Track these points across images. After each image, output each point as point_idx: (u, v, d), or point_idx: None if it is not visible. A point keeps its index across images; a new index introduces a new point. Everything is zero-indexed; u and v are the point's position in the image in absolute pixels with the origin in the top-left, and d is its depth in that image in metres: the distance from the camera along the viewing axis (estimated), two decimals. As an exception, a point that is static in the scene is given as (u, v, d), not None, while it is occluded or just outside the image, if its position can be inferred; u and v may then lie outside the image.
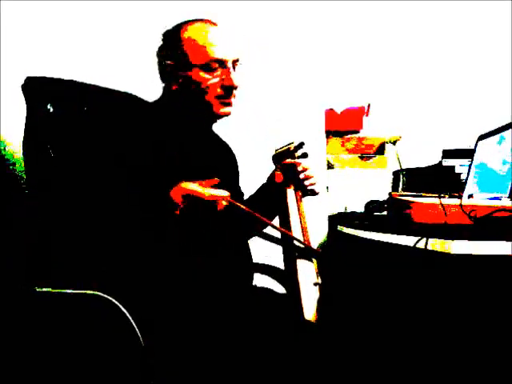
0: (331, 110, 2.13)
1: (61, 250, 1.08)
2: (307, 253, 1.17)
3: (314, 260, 1.17)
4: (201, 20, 1.20)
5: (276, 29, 1.95)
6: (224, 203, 1.02)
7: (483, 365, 0.98)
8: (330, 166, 2.10)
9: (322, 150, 2.06)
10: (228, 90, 1.17)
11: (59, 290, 0.99)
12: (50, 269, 1.09)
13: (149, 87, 1.38)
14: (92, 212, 1.01)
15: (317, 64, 2.02)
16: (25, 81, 1.13)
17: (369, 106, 2.17)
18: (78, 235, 1.03)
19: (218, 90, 1.17)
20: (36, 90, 1.13)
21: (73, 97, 1.19)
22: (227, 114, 1.21)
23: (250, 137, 1.85)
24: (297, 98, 2.00)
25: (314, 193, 1.30)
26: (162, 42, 1.21)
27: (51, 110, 1.12)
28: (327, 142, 2.09)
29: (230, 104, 1.19)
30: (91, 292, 0.95)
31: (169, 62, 1.18)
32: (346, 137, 2.15)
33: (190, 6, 1.84)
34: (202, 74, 1.15)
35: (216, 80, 1.16)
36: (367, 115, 2.17)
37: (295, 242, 1.17)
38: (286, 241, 1.22)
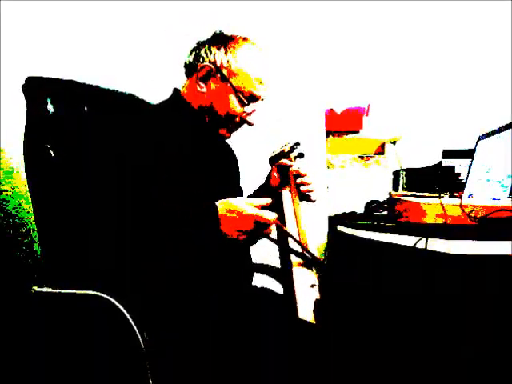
0: (331, 110, 2.13)
1: (61, 250, 1.08)
2: (304, 256, 1.16)
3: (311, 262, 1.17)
4: (256, 45, 1.18)
5: (276, 29, 1.95)
6: (272, 225, 1.02)
7: (483, 364, 0.98)
8: (329, 166, 2.10)
9: (322, 150, 2.06)
10: (243, 123, 1.19)
11: (59, 290, 0.99)
12: (49, 269, 1.09)
13: (149, 87, 1.38)
14: (93, 212, 1.01)
15: (317, 64, 2.02)
16: (25, 81, 1.13)
17: (369, 106, 2.17)
18: (79, 235, 1.03)
19: (237, 119, 1.18)
20: (36, 89, 1.13)
21: (73, 97, 1.19)
22: (226, 137, 1.22)
23: (249, 137, 1.85)
24: (297, 98, 2.00)
25: (309, 200, 1.29)
26: (209, 39, 1.17)
27: (51, 110, 1.12)
28: (327, 141, 2.09)
29: (234, 131, 1.21)
30: (91, 292, 0.95)
31: (206, 64, 1.14)
32: (346, 137, 2.15)
33: (190, 6, 1.84)
34: (233, 99, 1.14)
35: (240, 112, 1.16)
36: (367, 115, 2.17)
37: (291, 245, 1.16)
38: (283, 243, 1.22)
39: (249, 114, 1.18)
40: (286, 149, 1.29)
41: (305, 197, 1.28)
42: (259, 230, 1.00)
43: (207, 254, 1.01)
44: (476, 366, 0.99)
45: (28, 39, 1.63)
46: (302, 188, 1.27)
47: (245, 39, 1.17)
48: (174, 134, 1.14)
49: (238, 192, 1.34)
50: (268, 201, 1.02)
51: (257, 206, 1.00)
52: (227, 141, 1.38)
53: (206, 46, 1.16)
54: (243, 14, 1.88)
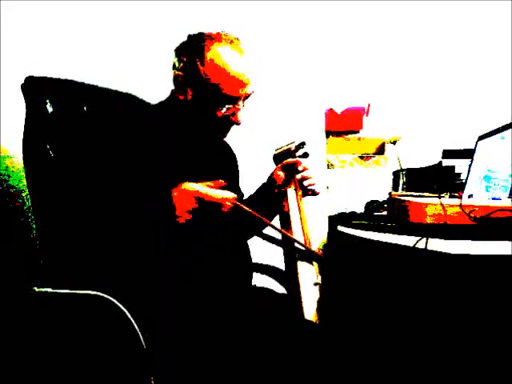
0: (331, 110, 2.13)
1: (61, 250, 1.08)
2: (307, 254, 1.17)
3: (315, 261, 1.17)
4: (228, 40, 1.10)
5: (276, 29, 1.95)
6: (229, 205, 1.01)
7: (483, 364, 0.98)
8: (329, 166, 2.10)
9: (322, 150, 2.07)
10: (231, 124, 1.15)
11: (59, 290, 0.99)
12: (50, 269, 1.09)
13: (149, 87, 1.38)
14: (93, 212, 1.01)
15: (317, 64, 2.02)
16: (25, 80, 1.13)
17: (369, 106, 2.17)
18: (79, 235, 1.03)
19: (224, 121, 1.14)
20: (36, 89, 1.13)
21: (73, 97, 1.19)
22: (222, 138, 1.22)
23: (249, 137, 1.85)
24: (297, 98, 2.00)
25: (314, 193, 1.30)
26: (183, 45, 1.13)
27: (51, 109, 1.12)
28: (327, 142, 2.09)
29: (228, 131, 1.19)
30: (92, 292, 0.95)
31: (181, 73, 1.11)
32: (346, 137, 2.14)
33: (190, 6, 1.84)
34: (214, 101, 1.09)
35: (227, 113, 1.12)
36: (367, 115, 2.16)
37: (296, 244, 1.17)
38: (286, 242, 1.23)
39: (235, 115, 1.12)
40: (292, 147, 1.29)
41: (308, 191, 1.29)
42: (210, 208, 0.99)
43: (173, 237, 1.01)
44: (476, 366, 0.99)
45: (28, 39, 1.63)
46: (305, 182, 1.27)
47: (215, 38, 1.10)
48: (173, 134, 1.14)
49: (236, 191, 1.34)
50: (222, 182, 1.02)
51: (207, 185, 1.00)
52: (226, 140, 1.38)
53: (181, 51, 1.12)
54: (243, 15, 1.88)
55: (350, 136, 2.15)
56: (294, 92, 1.99)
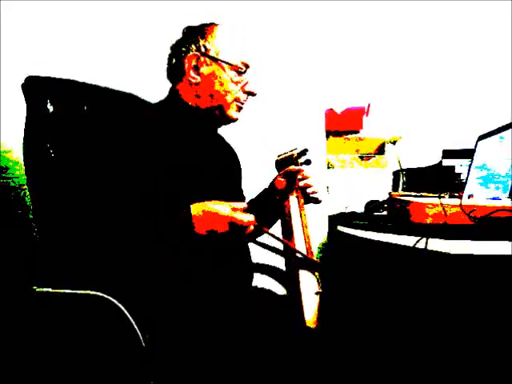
0: (331, 110, 2.13)
1: (61, 250, 1.08)
2: (309, 264, 1.17)
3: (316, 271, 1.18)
4: (222, 24, 1.20)
5: (276, 29, 1.95)
6: (252, 228, 1.04)
7: (483, 364, 0.98)
8: (329, 166, 2.10)
9: (322, 150, 2.07)
10: (248, 95, 1.20)
11: (59, 290, 0.99)
12: (50, 269, 1.09)
13: (149, 87, 1.38)
14: (93, 212, 1.00)
15: (317, 64, 2.02)
16: (25, 80, 1.13)
17: (369, 106, 2.17)
18: (79, 235, 1.03)
19: (239, 93, 1.18)
20: (36, 89, 1.13)
21: (73, 96, 1.19)
22: (235, 120, 1.21)
23: (249, 137, 1.85)
24: (297, 98, 2.00)
25: (317, 201, 1.31)
26: (182, 36, 1.20)
27: (51, 109, 1.11)
28: (327, 141, 2.09)
29: (241, 109, 1.21)
30: (92, 292, 0.95)
31: (191, 54, 1.16)
32: (346, 137, 2.14)
33: (190, 6, 1.84)
34: (230, 72, 1.16)
35: (242, 83, 1.18)
36: (367, 115, 2.16)
37: (297, 255, 1.18)
38: (288, 252, 1.23)
39: (249, 84, 1.19)
40: (295, 154, 1.29)
41: (311, 199, 1.30)
42: (236, 231, 1.01)
43: (181, 253, 1.02)
44: (476, 366, 0.99)
45: (28, 39, 1.63)
46: (308, 190, 1.28)
47: (213, 23, 1.20)
48: (175, 135, 1.14)
49: (238, 193, 1.34)
50: (244, 205, 1.04)
51: (233, 209, 1.01)
52: (228, 141, 1.38)
53: (183, 41, 1.19)
54: (243, 15, 1.88)
55: (349, 136, 2.15)
56: (294, 92, 1.99)
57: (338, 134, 2.14)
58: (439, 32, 2.22)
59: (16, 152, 1.55)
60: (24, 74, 1.14)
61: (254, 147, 1.82)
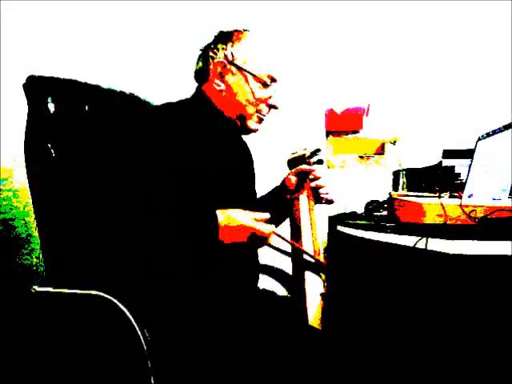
0: (331, 110, 2.13)
1: (62, 250, 1.08)
2: (316, 265, 1.17)
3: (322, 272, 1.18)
4: (252, 32, 1.21)
5: (276, 29, 1.95)
6: (271, 238, 1.07)
7: (483, 365, 0.98)
8: (329, 166, 2.10)
9: (322, 150, 2.07)
10: (270, 108, 1.20)
11: (59, 290, 0.99)
12: (50, 268, 1.09)
13: (149, 88, 1.38)
14: (93, 212, 1.01)
15: (317, 64, 2.02)
16: (26, 80, 1.13)
17: (369, 106, 2.17)
18: (80, 235, 1.03)
19: (262, 105, 1.19)
20: (37, 89, 1.13)
21: (75, 96, 1.19)
22: (254, 131, 1.22)
23: (249, 137, 1.85)
24: (297, 99, 2.00)
25: (328, 201, 1.31)
26: (213, 40, 1.20)
27: (52, 109, 1.11)
28: (327, 142, 2.09)
29: (262, 121, 1.21)
30: (92, 292, 0.95)
31: (218, 61, 1.15)
32: (346, 137, 2.15)
33: (190, 6, 1.84)
34: (253, 84, 1.16)
35: (265, 96, 1.18)
36: (367, 115, 2.16)
37: (305, 256, 1.18)
38: (296, 252, 1.22)
39: (273, 98, 1.20)
40: (307, 153, 1.29)
41: (322, 199, 1.30)
42: (256, 241, 1.04)
43: (205, 261, 1.03)
44: (476, 366, 0.99)
45: (28, 39, 1.63)
46: (321, 190, 1.28)
47: (245, 30, 1.20)
48: (201, 133, 1.13)
49: (252, 194, 1.34)
50: (267, 215, 1.07)
51: (256, 220, 1.03)
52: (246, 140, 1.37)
53: (212, 46, 1.18)
54: (243, 15, 1.88)
55: (350, 136, 2.15)
56: (294, 92, 1.99)
57: (338, 133, 2.14)
58: (439, 32, 2.22)
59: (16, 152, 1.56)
60: (25, 73, 1.14)
61: (254, 147, 1.81)
